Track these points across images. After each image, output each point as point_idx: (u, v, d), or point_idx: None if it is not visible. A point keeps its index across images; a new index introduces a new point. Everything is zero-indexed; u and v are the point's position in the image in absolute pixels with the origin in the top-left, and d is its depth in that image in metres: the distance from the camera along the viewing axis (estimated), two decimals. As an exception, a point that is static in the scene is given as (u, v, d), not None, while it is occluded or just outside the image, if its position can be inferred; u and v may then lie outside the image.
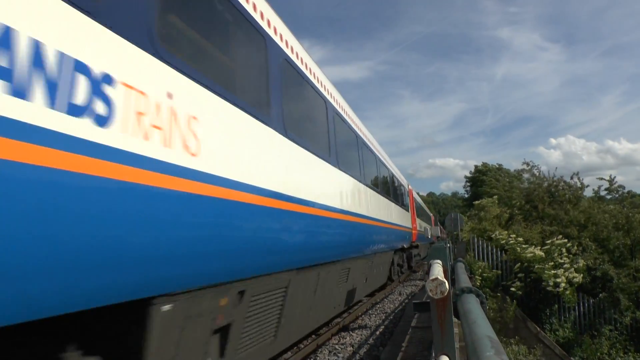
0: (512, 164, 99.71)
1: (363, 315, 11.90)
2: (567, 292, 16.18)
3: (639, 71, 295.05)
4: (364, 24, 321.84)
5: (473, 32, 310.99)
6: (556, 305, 17.03)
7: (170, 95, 3.00)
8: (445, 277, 3.45)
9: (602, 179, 22.72)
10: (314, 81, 6.87)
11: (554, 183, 23.04)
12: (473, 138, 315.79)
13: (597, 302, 16.94)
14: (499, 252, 18.97)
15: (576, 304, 17.00)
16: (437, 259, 3.83)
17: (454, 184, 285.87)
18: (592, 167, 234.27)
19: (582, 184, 22.83)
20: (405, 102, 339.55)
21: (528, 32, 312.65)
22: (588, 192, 23.58)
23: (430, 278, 3.26)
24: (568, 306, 16.90)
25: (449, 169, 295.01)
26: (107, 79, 2.48)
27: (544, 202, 22.42)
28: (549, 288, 16.26)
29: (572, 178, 22.92)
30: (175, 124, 3.04)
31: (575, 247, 17.81)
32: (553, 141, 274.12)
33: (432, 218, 43.98)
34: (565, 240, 17.85)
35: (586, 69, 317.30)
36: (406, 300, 14.47)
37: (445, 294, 3.27)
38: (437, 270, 3.47)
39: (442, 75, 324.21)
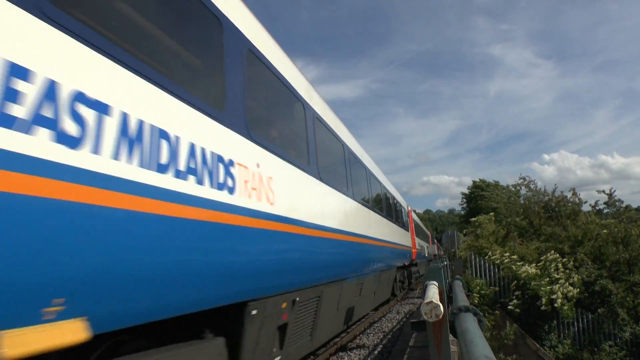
0: (507, 180, 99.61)
1: (361, 335, 11.84)
2: (565, 307, 16.11)
3: (631, 86, 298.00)
4: (357, 42, 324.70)
5: (466, 50, 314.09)
6: (555, 321, 16.95)
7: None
8: (441, 298, 3.45)
9: (602, 191, 22.67)
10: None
11: (554, 199, 23.04)
12: (468, 155, 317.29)
13: (596, 318, 16.89)
14: (496, 269, 18.94)
15: (575, 319, 16.94)
16: (433, 279, 3.84)
17: (450, 201, 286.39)
18: (587, 181, 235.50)
19: (579, 199, 22.82)
20: (400, 119, 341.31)
21: (520, 49, 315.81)
22: (585, 207, 23.62)
23: (425, 301, 3.27)
24: (567, 322, 16.83)
25: (444, 186, 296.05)
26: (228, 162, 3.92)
27: (541, 218, 22.41)
28: (544, 308, 16.20)
29: (573, 194, 22.96)
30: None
31: (571, 263, 17.77)
32: (546, 157, 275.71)
33: (430, 236, 44.16)
34: (557, 255, 17.85)
35: (579, 84, 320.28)
36: (404, 319, 14.41)
37: (440, 317, 3.28)
38: (432, 292, 3.47)
39: (436, 93, 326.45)
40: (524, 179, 24.85)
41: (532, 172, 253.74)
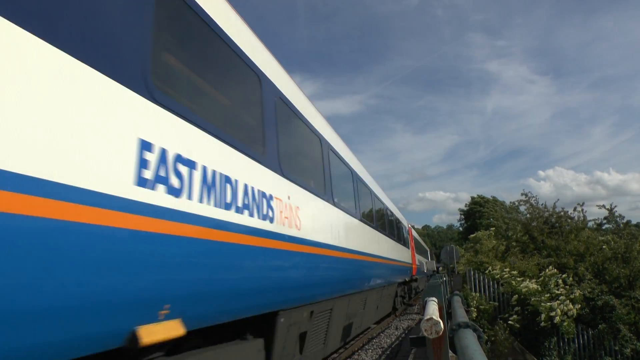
0: (504, 196, 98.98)
1: (359, 351, 11.74)
2: (565, 323, 15.98)
3: (627, 103, 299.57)
4: (354, 58, 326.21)
5: (462, 66, 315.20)
6: (555, 338, 16.81)
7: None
8: (441, 315, 3.41)
9: (602, 206, 22.50)
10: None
11: (556, 214, 22.90)
12: (466, 171, 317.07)
13: (597, 334, 16.76)
14: (495, 285, 18.83)
15: (575, 335, 16.81)
16: (432, 296, 3.80)
17: (447, 217, 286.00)
18: (584, 198, 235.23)
19: (584, 215, 22.60)
20: (397, 135, 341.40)
21: (516, 65, 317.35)
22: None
23: (425, 318, 3.23)
24: (567, 338, 16.69)
25: (440, 202, 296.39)
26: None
27: (543, 233, 22.28)
28: (543, 324, 16.06)
29: (575, 209, 22.83)
30: None
31: (571, 278, 17.67)
32: (542, 173, 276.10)
33: (429, 252, 44.76)
34: (556, 270, 17.76)
35: (575, 101, 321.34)
36: (403, 335, 14.32)
37: (440, 334, 3.24)
38: (432, 309, 3.43)
39: (433, 109, 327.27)
40: (526, 195, 24.78)
41: (529, 189, 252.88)
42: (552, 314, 15.79)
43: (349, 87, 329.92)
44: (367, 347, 12.33)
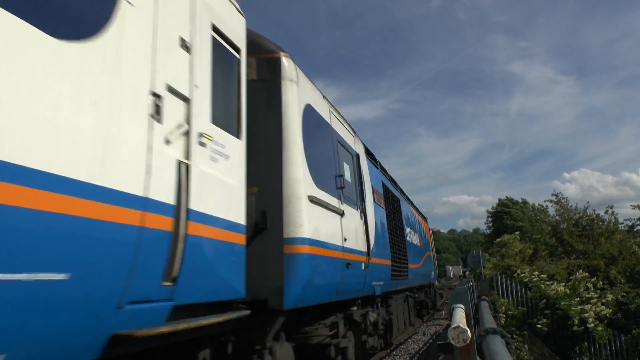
0: (530, 199, 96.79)
1: (387, 357, 11.70)
2: (599, 328, 15.59)
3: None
4: (377, 62, 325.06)
5: (485, 68, 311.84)
6: (586, 343, 16.42)
7: None
8: (468, 322, 3.40)
9: (637, 206, 21.79)
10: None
11: (584, 216, 22.43)
12: (490, 173, 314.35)
13: (630, 339, 16.33)
14: (523, 290, 18.51)
15: (608, 341, 16.40)
16: (459, 302, 3.78)
17: (471, 220, 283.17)
18: (611, 199, 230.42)
19: (616, 218, 22.00)
20: (421, 139, 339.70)
21: (540, 66, 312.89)
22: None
23: (452, 326, 3.22)
24: (599, 344, 16.30)
25: (464, 206, 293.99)
26: None
27: (573, 236, 21.83)
28: (575, 328, 15.66)
29: (606, 212, 22.32)
30: None
31: (601, 282, 17.26)
32: (567, 175, 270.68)
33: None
34: (587, 274, 17.36)
35: (601, 100, 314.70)
36: (430, 341, 14.21)
37: (468, 342, 3.23)
38: (459, 316, 3.42)
39: (457, 112, 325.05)
40: (556, 195, 24.38)
41: (555, 191, 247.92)
42: (585, 315, 15.41)
43: (372, 91, 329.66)
44: (394, 353, 12.28)
